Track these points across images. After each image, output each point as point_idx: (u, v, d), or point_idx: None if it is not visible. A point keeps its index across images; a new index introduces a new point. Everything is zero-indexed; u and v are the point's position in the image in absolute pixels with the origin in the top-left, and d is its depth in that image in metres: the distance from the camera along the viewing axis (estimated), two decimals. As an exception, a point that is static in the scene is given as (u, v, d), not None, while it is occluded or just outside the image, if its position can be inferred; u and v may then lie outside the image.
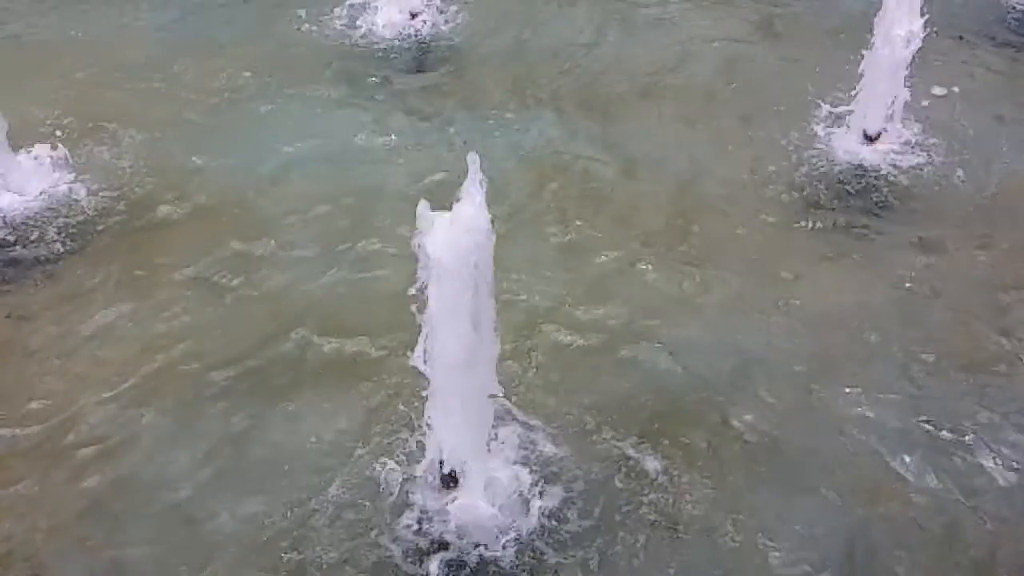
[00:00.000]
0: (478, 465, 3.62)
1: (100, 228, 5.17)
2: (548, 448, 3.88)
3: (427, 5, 7.44)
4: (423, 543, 3.54)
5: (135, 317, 4.61)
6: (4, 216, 5.21)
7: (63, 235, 5.10)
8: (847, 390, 4.31)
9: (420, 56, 7.04)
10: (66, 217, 5.21)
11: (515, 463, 3.78)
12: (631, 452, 3.93)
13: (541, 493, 3.70)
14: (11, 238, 5.09)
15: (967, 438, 4.09)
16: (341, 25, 7.28)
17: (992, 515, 3.78)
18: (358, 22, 7.34)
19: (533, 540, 3.55)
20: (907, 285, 4.94)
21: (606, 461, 3.89)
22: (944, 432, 4.11)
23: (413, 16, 7.38)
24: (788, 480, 3.90)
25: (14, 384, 4.26)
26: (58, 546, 3.59)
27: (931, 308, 4.82)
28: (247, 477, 3.85)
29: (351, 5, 7.41)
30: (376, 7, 7.38)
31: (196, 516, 3.69)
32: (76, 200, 5.33)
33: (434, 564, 3.46)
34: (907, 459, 3.98)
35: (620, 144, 6.08)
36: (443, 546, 3.52)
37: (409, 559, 3.50)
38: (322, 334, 4.51)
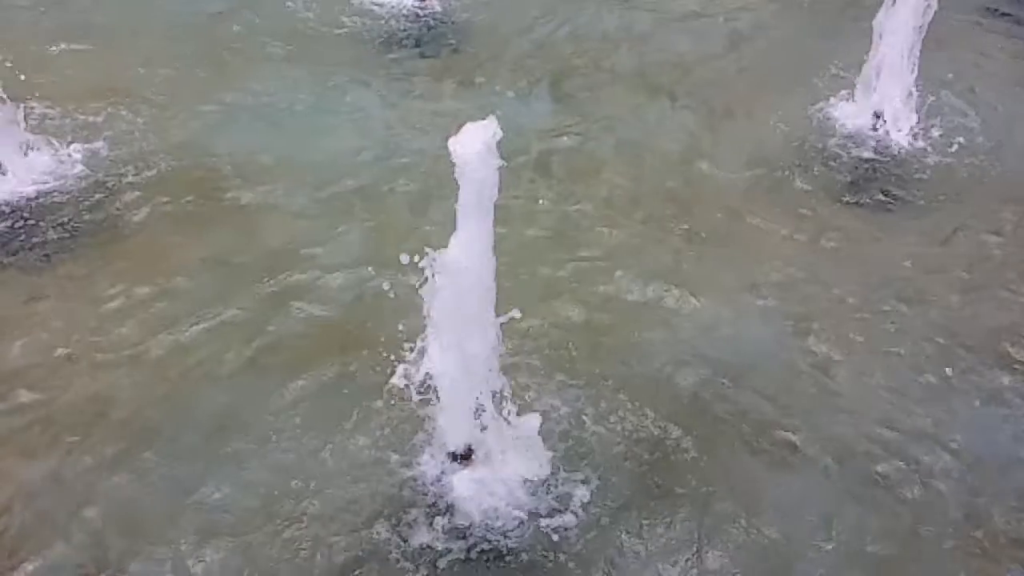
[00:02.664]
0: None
1: (124, 210, 5.17)
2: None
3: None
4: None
5: (149, 304, 4.60)
6: (27, 196, 5.21)
7: (87, 216, 5.10)
8: (863, 375, 4.33)
9: (429, 35, 7.02)
10: (90, 197, 5.22)
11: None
12: (638, 436, 3.96)
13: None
14: (33, 217, 5.09)
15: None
16: (345, 6, 7.26)
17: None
18: (362, 2, 7.34)
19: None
20: (921, 266, 4.96)
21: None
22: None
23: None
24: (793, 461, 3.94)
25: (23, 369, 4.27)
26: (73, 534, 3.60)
27: (949, 289, 4.83)
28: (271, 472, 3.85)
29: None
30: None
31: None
32: (95, 183, 5.33)
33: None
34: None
35: (633, 125, 6.06)
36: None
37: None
38: (340, 330, 4.48)
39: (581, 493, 3.67)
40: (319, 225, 5.11)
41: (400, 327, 3.93)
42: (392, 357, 3.88)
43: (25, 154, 5.36)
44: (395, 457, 3.80)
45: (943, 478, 3.86)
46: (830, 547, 3.59)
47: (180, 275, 4.74)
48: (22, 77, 5.68)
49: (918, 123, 5.88)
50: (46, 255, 4.85)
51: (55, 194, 5.21)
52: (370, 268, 4.74)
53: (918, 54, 5.66)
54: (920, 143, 5.78)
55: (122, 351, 4.31)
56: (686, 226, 5.18)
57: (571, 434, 3.91)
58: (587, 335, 4.45)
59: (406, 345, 3.69)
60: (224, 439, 3.91)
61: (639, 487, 3.75)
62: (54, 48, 6.56)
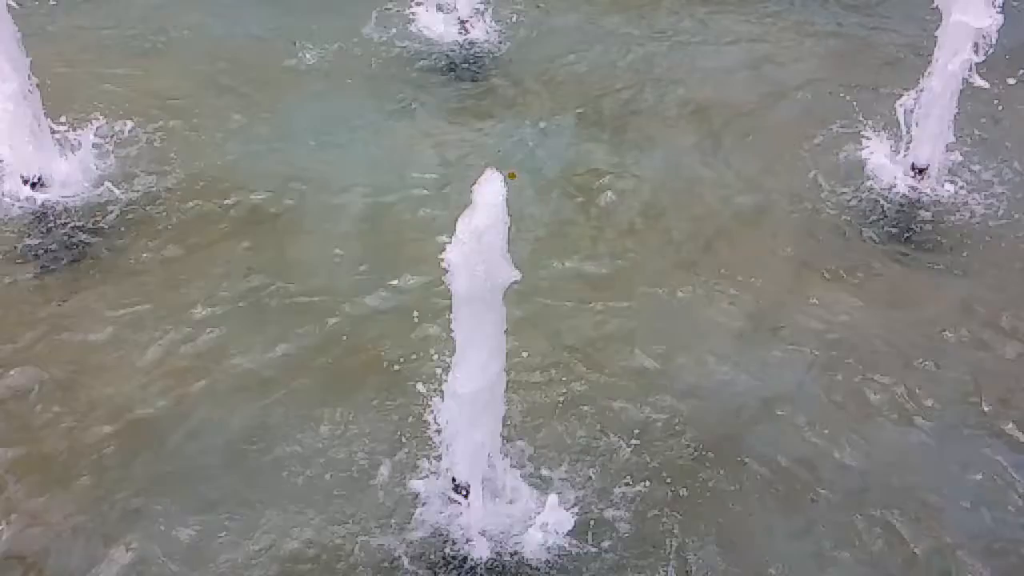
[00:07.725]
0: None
1: (155, 220, 5.27)
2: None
3: (478, 15, 7.48)
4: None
5: (171, 318, 4.67)
6: (65, 206, 5.32)
7: (119, 227, 5.20)
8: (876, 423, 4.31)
9: (465, 66, 7.07)
10: (123, 209, 5.32)
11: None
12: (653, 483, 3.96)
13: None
14: (68, 227, 5.19)
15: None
16: (389, 33, 7.35)
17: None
18: (407, 29, 7.42)
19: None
20: (940, 324, 4.87)
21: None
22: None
23: (462, 23, 7.43)
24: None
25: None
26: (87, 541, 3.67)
27: (961, 345, 4.76)
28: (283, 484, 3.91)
29: (398, 13, 7.54)
30: (424, 15, 7.49)
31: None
32: (118, 194, 5.42)
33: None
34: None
35: (661, 163, 6.05)
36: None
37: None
38: (357, 347, 4.55)
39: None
40: (348, 247, 5.19)
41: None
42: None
43: (63, 165, 5.47)
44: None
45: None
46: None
47: (212, 287, 4.83)
48: (62, 92, 5.80)
49: (955, 177, 5.82)
50: (75, 260, 4.98)
51: (90, 204, 5.32)
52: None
53: (956, 105, 5.60)
54: (953, 198, 5.70)
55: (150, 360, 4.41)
56: (716, 265, 5.18)
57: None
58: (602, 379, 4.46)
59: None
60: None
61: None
62: (95, 66, 6.71)
